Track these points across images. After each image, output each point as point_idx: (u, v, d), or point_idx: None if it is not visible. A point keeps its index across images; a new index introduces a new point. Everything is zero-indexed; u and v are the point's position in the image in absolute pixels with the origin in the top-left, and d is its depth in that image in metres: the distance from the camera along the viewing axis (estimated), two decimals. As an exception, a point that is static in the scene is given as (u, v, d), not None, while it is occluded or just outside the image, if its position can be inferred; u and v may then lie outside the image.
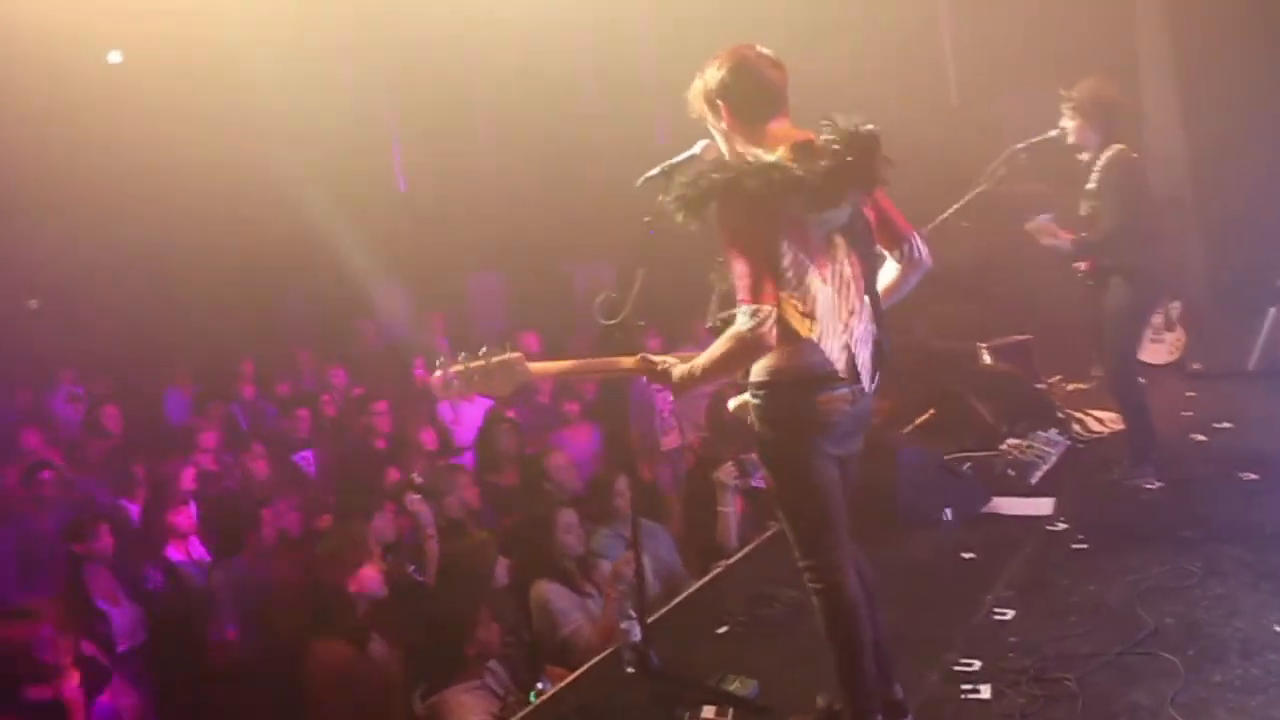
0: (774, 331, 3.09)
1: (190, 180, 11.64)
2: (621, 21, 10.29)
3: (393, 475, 6.71)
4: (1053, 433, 6.34)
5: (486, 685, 4.40)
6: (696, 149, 3.51)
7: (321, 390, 9.48)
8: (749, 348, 3.12)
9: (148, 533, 6.51)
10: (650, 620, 4.61)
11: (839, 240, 3.28)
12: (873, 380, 3.36)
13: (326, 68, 11.76)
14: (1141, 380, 6.56)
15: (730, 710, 3.83)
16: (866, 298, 3.36)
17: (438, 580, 5.10)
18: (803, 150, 3.17)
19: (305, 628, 4.49)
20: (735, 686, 3.97)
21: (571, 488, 5.77)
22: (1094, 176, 5.57)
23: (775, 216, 3.12)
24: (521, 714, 4.17)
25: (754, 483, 5.76)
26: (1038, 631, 4.24)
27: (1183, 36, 8.21)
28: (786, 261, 3.15)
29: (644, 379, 3.50)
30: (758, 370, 3.28)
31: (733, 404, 3.46)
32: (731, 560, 5.37)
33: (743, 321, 3.09)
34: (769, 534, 5.47)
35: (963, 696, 3.84)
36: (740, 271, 3.11)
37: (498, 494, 6.43)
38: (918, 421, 6.91)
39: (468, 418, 7.94)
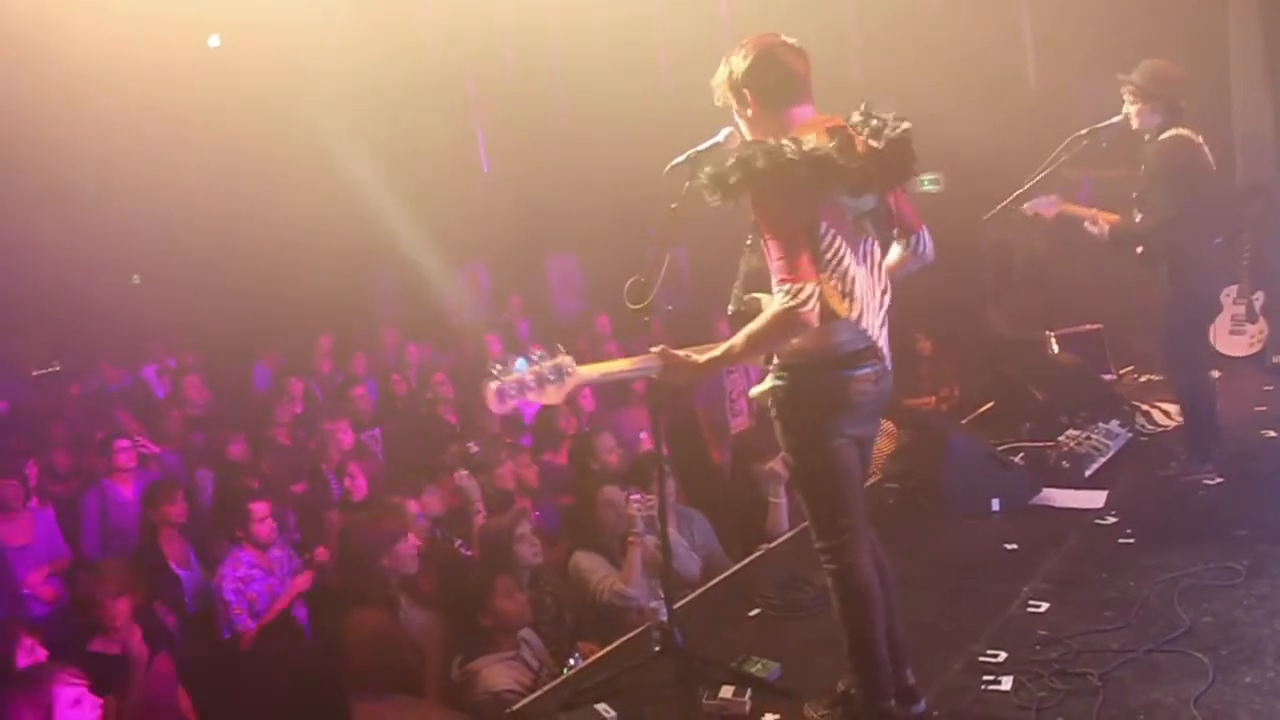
0: (817, 309, 3.13)
1: (283, 162, 11.99)
2: (703, 4, 10.31)
3: (453, 449, 6.87)
4: (1114, 425, 6.21)
5: (520, 657, 4.52)
6: (720, 137, 3.55)
7: (396, 369, 9.69)
8: (790, 324, 3.15)
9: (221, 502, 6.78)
10: (685, 602, 4.73)
11: (866, 223, 3.37)
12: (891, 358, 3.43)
13: (412, 50, 11.97)
14: (1215, 373, 6.41)
15: (748, 691, 3.86)
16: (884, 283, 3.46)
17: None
18: (839, 137, 3.23)
19: (344, 596, 4.65)
20: (757, 668, 4.02)
21: (618, 467, 5.86)
22: (1145, 160, 5.43)
23: (816, 200, 3.20)
24: (548, 685, 4.28)
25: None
26: (1069, 625, 4.19)
27: (1274, 19, 7.89)
28: (826, 242, 3.22)
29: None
30: (784, 352, 3.34)
31: (754, 391, 3.50)
32: (773, 544, 5.40)
33: (781, 300, 3.13)
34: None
35: (983, 687, 3.83)
36: (778, 253, 3.16)
37: (553, 473, 6.54)
38: (978, 412, 6.84)
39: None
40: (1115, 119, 5.64)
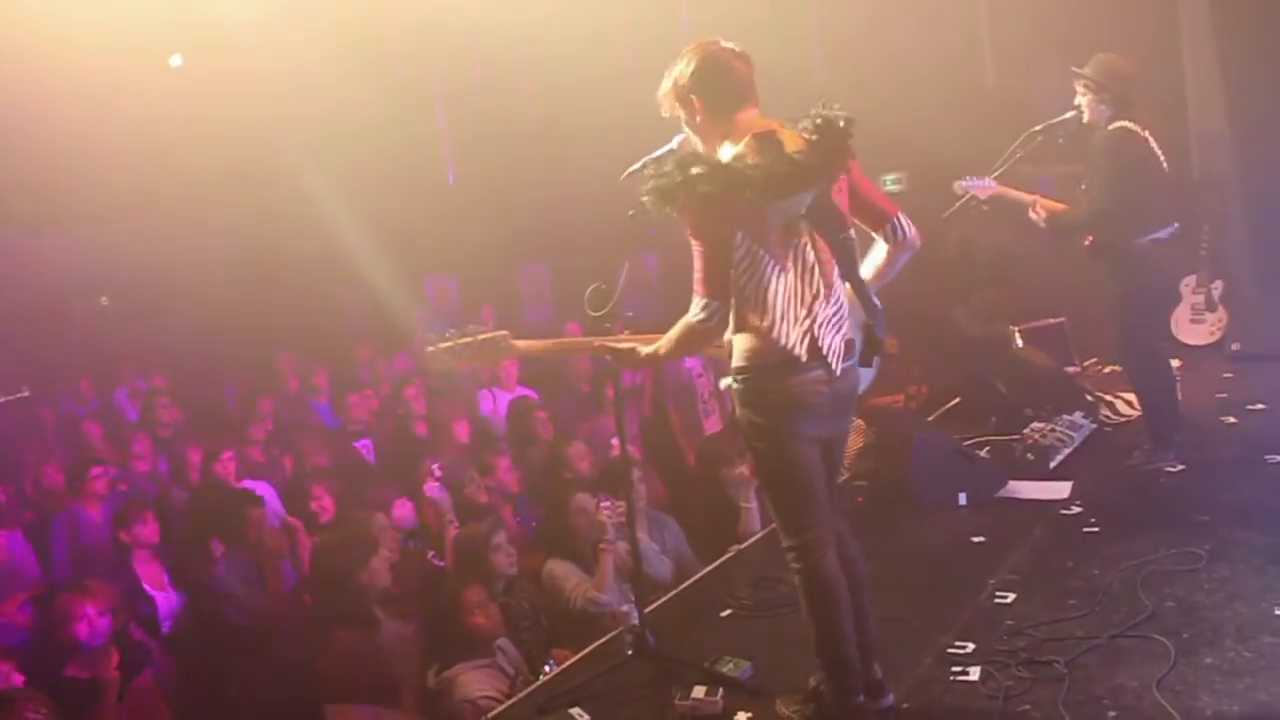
0: (722, 323, 3.30)
1: (248, 180, 11.99)
2: (664, 14, 10.37)
3: (429, 464, 6.89)
4: (1078, 416, 6.30)
5: (496, 664, 4.56)
6: (674, 143, 3.61)
7: (371, 383, 9.69)
8: (698, 336, 3.38)
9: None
10: (656, 605, 4.78)
11: (802, 225, 3.32)
12: (846, 362, 3.40)
13: (377, 65, 11.98)
14: (1175, 361, 6.52)
15: (720, 691, 3.90)
16: (840, 281, 3.41)
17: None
18: (763, 141, 3.27)
19: (322, 615, 4.68)
20: (729, 668, 4.06)
21: (590, 474, 5.90)
22: (1089, 152, 5.51)
23: (730, 211, 3.22)
24: (524, 692, 4.31)
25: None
26: (1035, 614, 4.26)
27: (1224, 12, 8.04)
28: (741, 253, 3.24)
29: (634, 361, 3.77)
30: (737, 354, 3.38)
31: (723, 384, 3.55)
32: (743, 546, 5.45)
33: (693, 312, 3.31)
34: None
35: (951, 678, 3.88)
36: (696, 264, 3.29)
37: (532, 478, 6.57)
38: (944, 408, 6.92)
39: (506, 408, 8.10)
40: (1068, 114, 5.72)
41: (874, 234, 3.53)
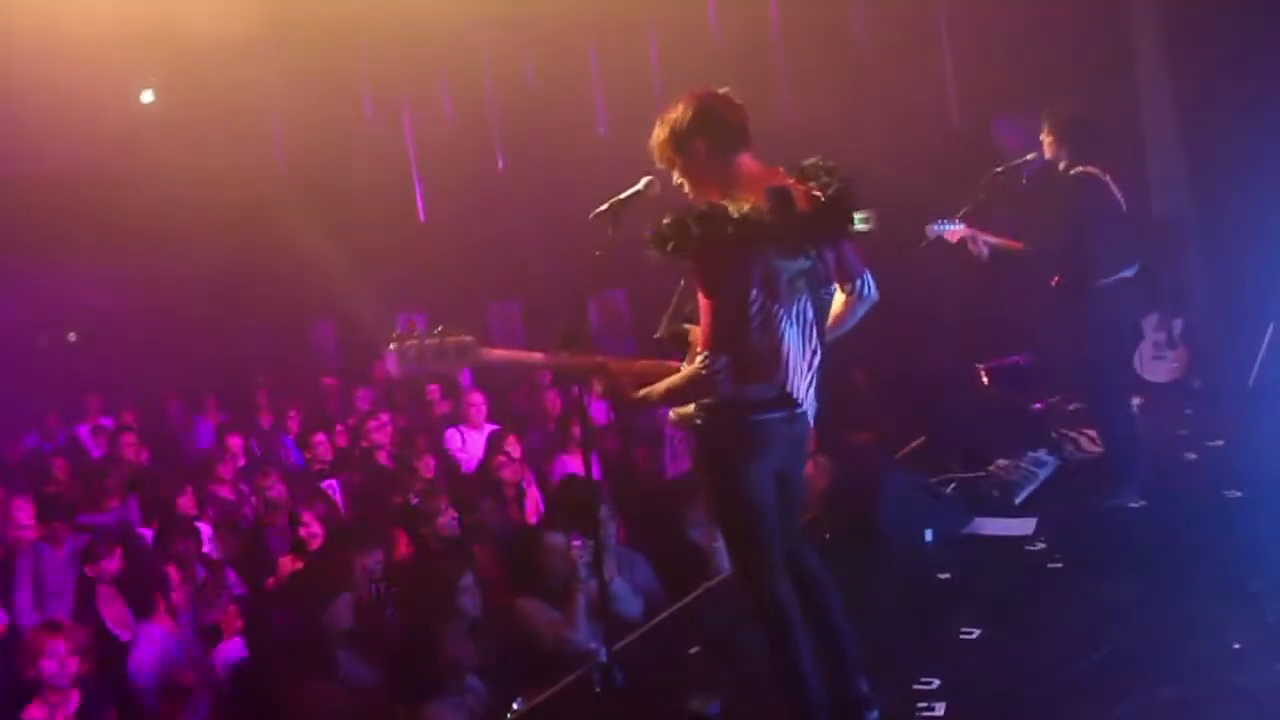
0: (729, 380, 3.26)
1: (218, 216, 11.99)
2: (636, 52, 10.51)
3: (396, 501, 6.89)
4: (1042, 453, 6.37)
5: (465, 703, 4.54)
6: (640, 185, 3.65)
7: (341, 418, 9.69)
8: (702, 388, 3.31)
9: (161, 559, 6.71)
10: (625, 642, 4.78)
11: (801, 282, 3.37)
12: (809, 402, 3.49)
13: (348, 102, 12.06)
14: (1137, 399, 6.62)
15: (689, 727, 3.92)
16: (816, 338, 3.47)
17: (413, 603, 5.27)
18: (779, 197, 3.28)
19: (286, 661, 4.67)
20: (697, 705, 4.07)
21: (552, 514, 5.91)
22: (1050, 189, 5.63)
23: (749, 265, 3.24)
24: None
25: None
26: (1000, 650, 4.30)
27: (1181, 55, 8.23)
28: (755, 308, 3.26)
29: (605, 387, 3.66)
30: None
31: (673, 415, 3.56)
32: (710, 584, 5.47)
33: (699, 364, 3.26)
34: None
35: (917, 714, 3.91)
36: (706, 318, 3.26)
37: (494, 521, 6.57)
38: (911, 446, 6.98)
39: (473, 446, 8.11)
40: (1029, 156, 5.85)
41: (838, 287, 3.57)
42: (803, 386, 3.39)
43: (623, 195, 3.65)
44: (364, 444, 8.07)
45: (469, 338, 3.47)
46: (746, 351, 3.27)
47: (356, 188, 11.86)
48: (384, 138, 12.44)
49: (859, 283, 3.59)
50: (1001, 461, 6.25)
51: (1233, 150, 7.89)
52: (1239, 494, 5.62)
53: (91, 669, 5.39)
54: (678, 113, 3.44)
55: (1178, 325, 7.99)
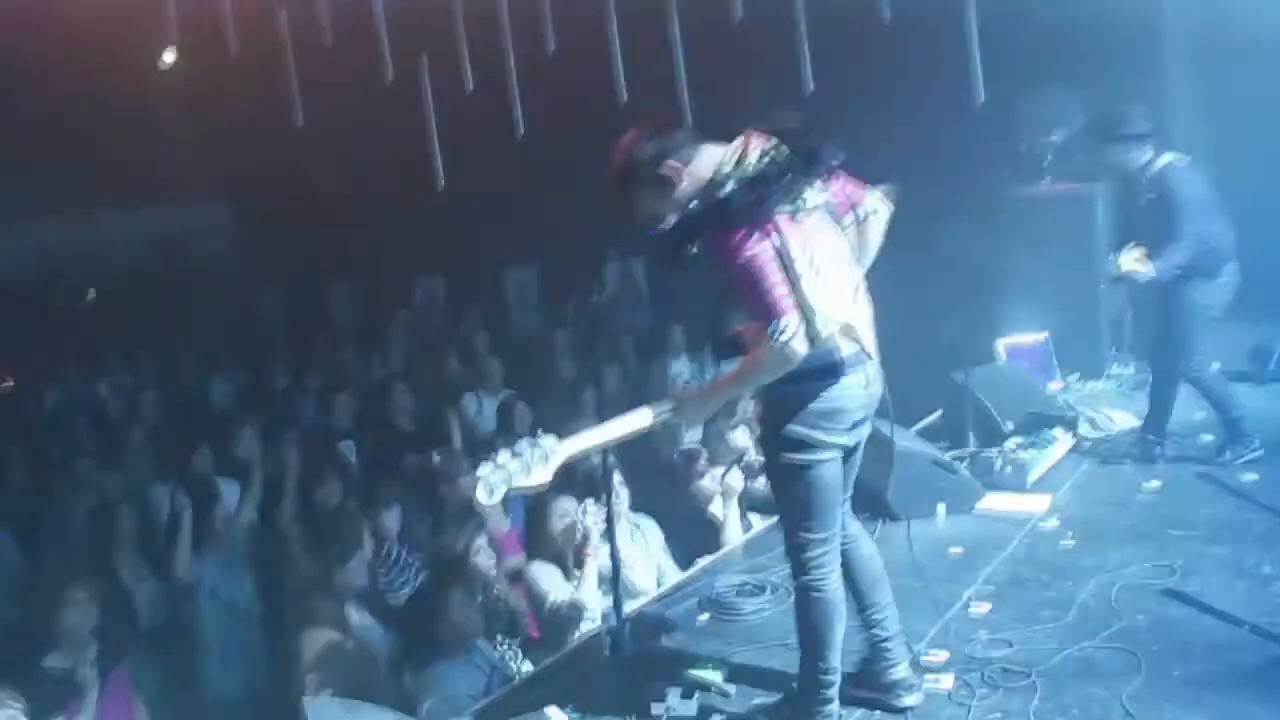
0: (804, 340, 3.13)
1: (236, 178, 12.01)
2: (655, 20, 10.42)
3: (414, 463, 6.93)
4: (1058, 430, 6.36)
5: (472, 662, 4.59)
6: None
7: (359, 380, 9.68)
8: (779, 357, 3.16)
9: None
10: (636, 608, 4.82)
11: (827, 220, 3.37)
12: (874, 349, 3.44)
13: (366, 65, 11.99)
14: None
15: (696, 694, 3.94)
16: (859, 270, 3.49)
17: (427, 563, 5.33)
18: (755, 143, 3.27)
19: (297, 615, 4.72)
20: (705, 672, 4.09)
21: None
22: (1150, 185, 5.71)
23: (768, 221, 3.17)
24: (500, 691, 4.35)
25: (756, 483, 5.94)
26: (1009, 626, 4.31)
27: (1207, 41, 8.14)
28: (795, 253, 3.17)
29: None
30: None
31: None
32: (720, 553, 5.49)
33: (775, 333, 3.13)
34: (761, 529, 5.63)
35: (925, 686, 3.91)
36: (760, 292, 3.14)
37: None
38: (925, 421, 6.96)
39: (489, 411, 8.13)
40: (1055, 137, 5.84)
41: (851, 213, 3.50)
42: (864, 325, 3.36)
43: None
44: (383, 406, 8.09)
45: (548, 439, 3.29)
46: (809, 301, 3.15)
47: (375, 151, 11.81)
48: (403, 101, 12.37)
49: (864, 206, 3.52)
50: (1016, 438, 6.24)
51: (1260, 132, 7.80)
52: (1255, 477, 5.61)
53: (105, 620, 5.48)
54: (634, 149, 3.36)
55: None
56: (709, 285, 3.53)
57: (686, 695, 3.93)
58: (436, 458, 6.46)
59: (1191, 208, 5.62)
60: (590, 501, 5.24)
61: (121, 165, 11.69)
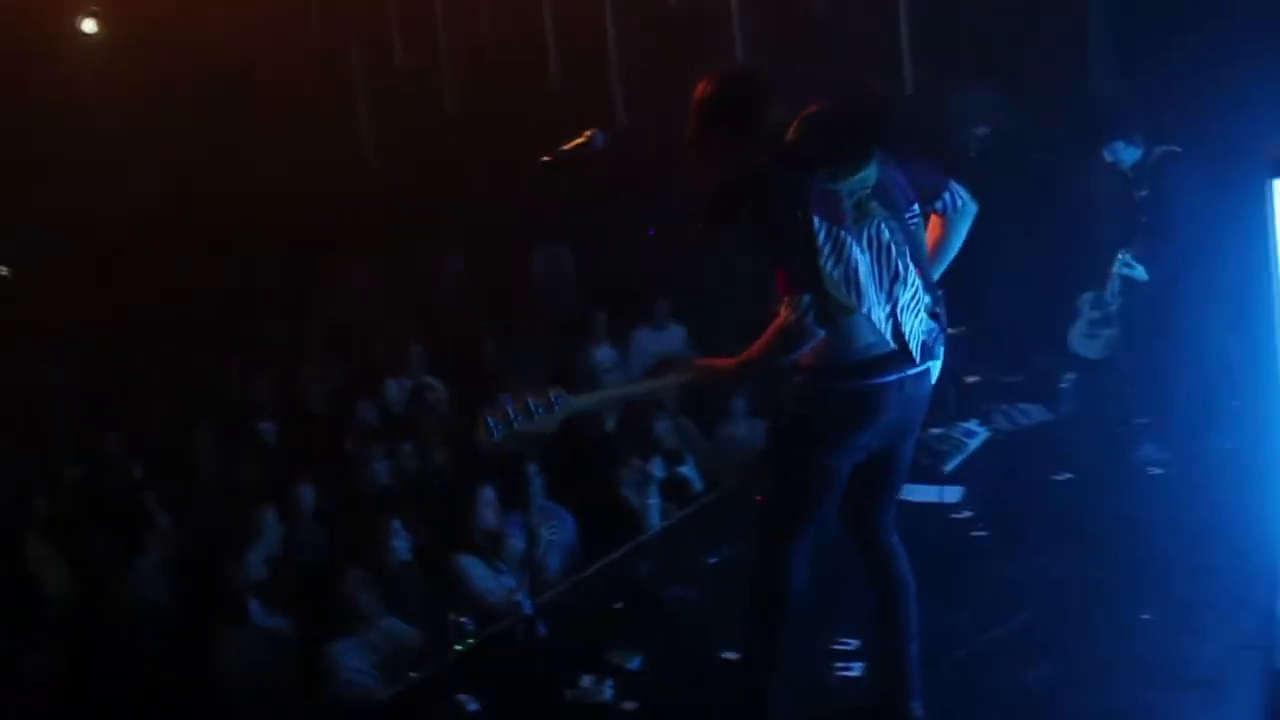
0: (814, 320, 3.00)
1: (155, 150, 11.71)
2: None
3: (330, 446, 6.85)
4: (974, 423, 6.46)
5: (370, 641, 4.55)
6: (585, 137, 3.56)
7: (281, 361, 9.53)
8: (794, 337, 3.03)
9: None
10: (550, 596, 4.82)
11: (873, 205, 3.09)
12: (929, 355, 3.18)
13: (294, 32, 11.78)
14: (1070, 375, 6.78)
15: (608, 680, 3.94)
16: (914, 265, 3.14)
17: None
18: (813, 121, 3.08)
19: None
20: (618, 658, 4.10)
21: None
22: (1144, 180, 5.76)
23: (801, 196, 3.02)
24: (413, 677, 4.31)
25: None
26: (922, 613, 4.34)
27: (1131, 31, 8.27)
28: (822, 237, 3.01)
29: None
30: (812, 351, 3.11)
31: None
32: (637, 541, 5.51)
33: (787, 312, 3.02)
34: (677, 518, 5.69)
35: (836, 674, 3.99)
36: (782, 266, 3.04)
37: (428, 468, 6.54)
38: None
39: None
40: (980, 130, 5.89)
41: (924, 208, 3.25)
42: (882, 317, 3.06)
43: (567, 146, 3.59)
44: (298, 388, 7.98)
45: (556, 389, 3.14)
46: (826, 285, 3.00)
47: (303, 123, 11.60)
48: (331, 72, 12.16)
49: (948, 197, 3.26)
50: (933, 430, 6.32)
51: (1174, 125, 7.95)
52: (1159, 471, 5.75)
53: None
54: (710, 96, 3.20)
55: (1114, 304, 8.05)
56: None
57: (599, 680, 3.93)
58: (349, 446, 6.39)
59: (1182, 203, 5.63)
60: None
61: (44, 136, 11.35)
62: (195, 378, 9.28)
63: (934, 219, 3.29)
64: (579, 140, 3.59)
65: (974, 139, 5.88)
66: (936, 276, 3.29)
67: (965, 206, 3.28)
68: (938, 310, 3.22)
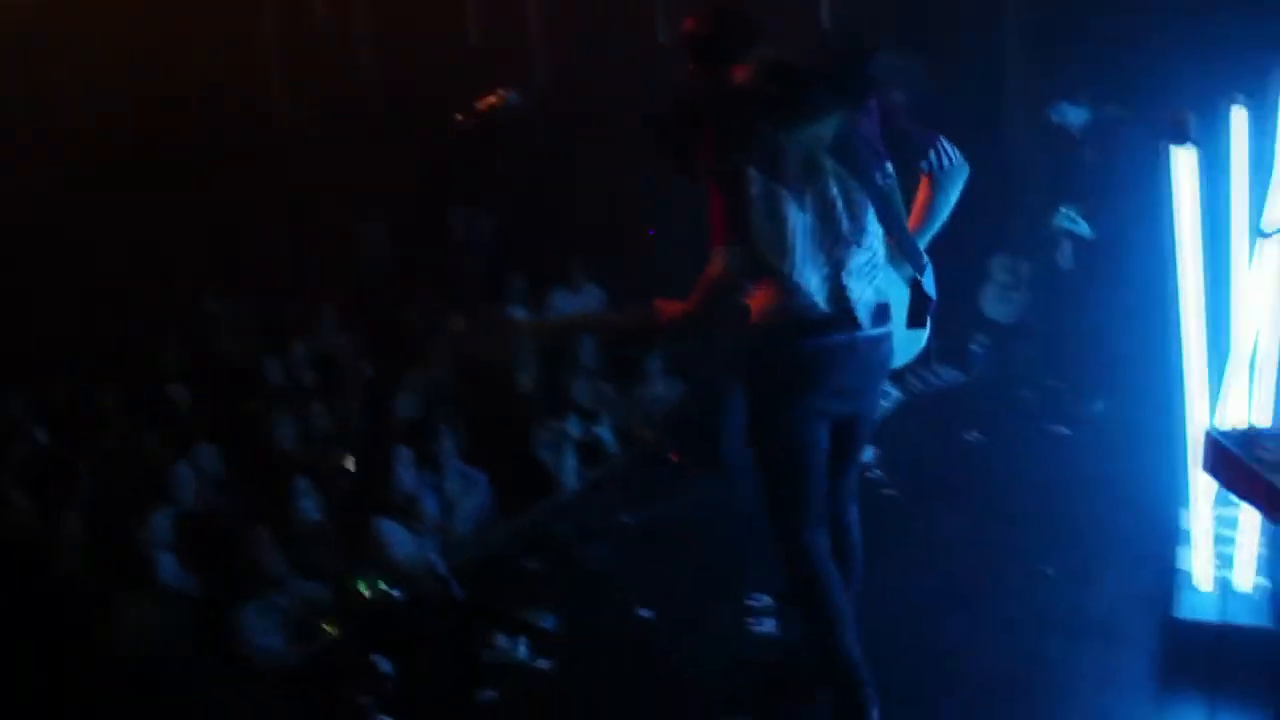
0: (742, 268, 2.92)
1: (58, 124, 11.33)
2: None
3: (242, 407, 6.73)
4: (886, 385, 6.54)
5: (275, 604, 4.50)
6: (498, 96, 3.55)
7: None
8: (720, 285, 2.96)
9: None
10: (464, 556, 4.80)
11: (825, 163, 2.93)
12: (879, 326, 3.02)
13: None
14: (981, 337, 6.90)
15: (522, 639, 3.95)
16: (875, 226, 3.00)
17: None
18: (770, 67, 2.95)
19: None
20: (532, 618, 4.10)
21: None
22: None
23: (743, 144, 2.88)
24: (327, 639, 4.27)
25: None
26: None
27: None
28: (756, 189, 2.86)
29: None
30: (754, 311, 3.02)
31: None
32: (553, 501, 5.51)
33: (715, 262, 2.95)
34: (593, 477, 5.74)
35: (749, 628, 4.06)
36: (716, 210, 2.93)
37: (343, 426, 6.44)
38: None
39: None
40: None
41: (917, 170, 3.09)
42: (816, 280, 2.91)
43: (482, 106, 3.55)
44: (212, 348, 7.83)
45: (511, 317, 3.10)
46: (753, 237, 2.88)
47: (213, 87, 11.29)
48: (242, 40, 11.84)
49: (933, 156, 3.05)
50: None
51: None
52: (1067, 431, 5.90)
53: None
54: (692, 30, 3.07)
55: (1025, 267, 8.20)
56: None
57: (514, 640, 3.93)
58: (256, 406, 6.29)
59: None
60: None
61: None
62: (101, 342, 8.99)
63: (923, 180, 3.11)
64: (493, 100, 3.55)
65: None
66: (925, 241, 3.14)
67: (955, 166, 3.07)
68: (919, 278, 3.09)
